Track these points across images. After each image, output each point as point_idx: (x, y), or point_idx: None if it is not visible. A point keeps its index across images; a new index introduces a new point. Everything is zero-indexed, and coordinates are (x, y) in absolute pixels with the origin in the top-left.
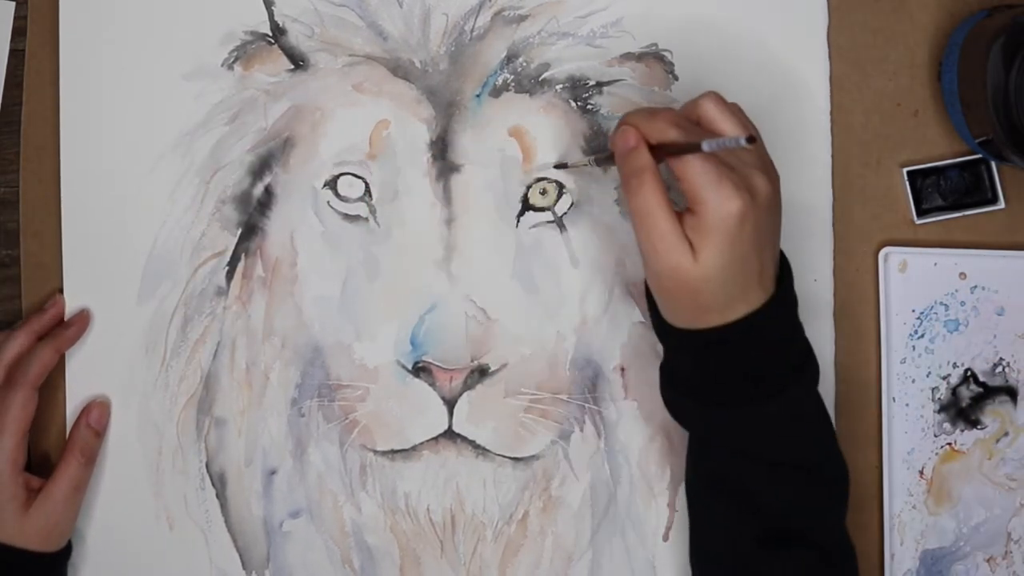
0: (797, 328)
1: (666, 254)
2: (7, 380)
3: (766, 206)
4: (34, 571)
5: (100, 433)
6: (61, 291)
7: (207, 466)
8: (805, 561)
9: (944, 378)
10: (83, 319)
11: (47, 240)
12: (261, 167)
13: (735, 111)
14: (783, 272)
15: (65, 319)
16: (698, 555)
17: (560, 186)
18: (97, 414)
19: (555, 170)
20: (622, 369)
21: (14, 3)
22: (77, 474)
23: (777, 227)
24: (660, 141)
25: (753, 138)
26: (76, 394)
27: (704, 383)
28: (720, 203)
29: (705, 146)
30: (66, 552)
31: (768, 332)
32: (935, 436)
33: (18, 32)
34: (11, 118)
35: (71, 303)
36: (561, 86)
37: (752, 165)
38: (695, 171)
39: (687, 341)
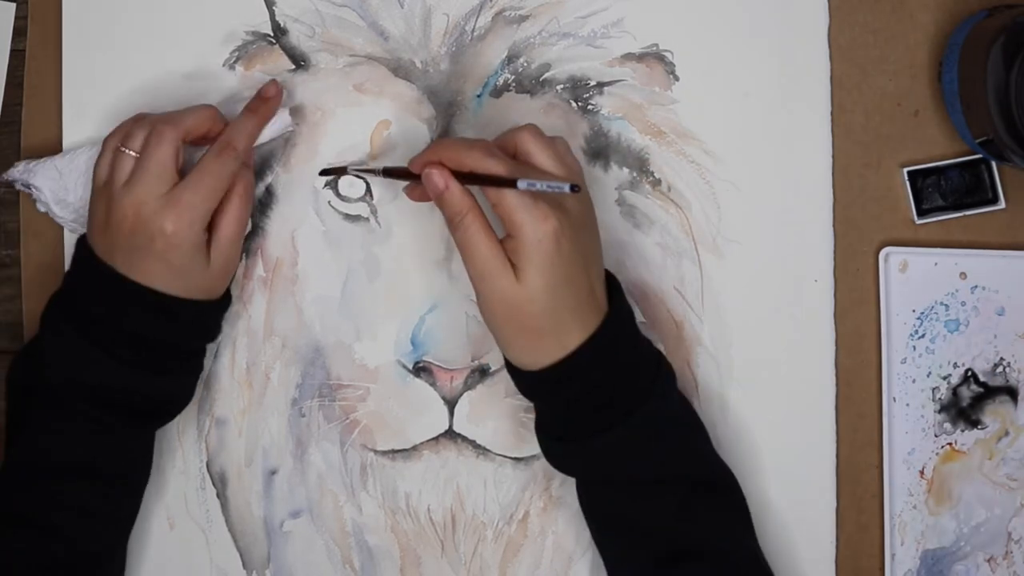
0: (639, 340)
1: (490, 278)
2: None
3: (580, 223)
4: (212, 320)
5: (250, 165)
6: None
7: (208, 466)
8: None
9: (945, 378)
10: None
11: (47, 240)
12: (262, 167)
13: (552, 146)
14: (611, 287)
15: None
16: None
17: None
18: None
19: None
20: None
21: (14, 3)
22: (241, 210)
23: (596, 244)
24: (474, 171)
25: (576, 187)
26: None
27: (561, 421)
28: (535, 224)
29: (521, 184)
30: (227, 301)
31: (610, 352)
32: (936, 436)
33: (18, 32)
34: (11, 118)
35: None
36: (562, 86)
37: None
38: (509, 198)
39: (535, 383)
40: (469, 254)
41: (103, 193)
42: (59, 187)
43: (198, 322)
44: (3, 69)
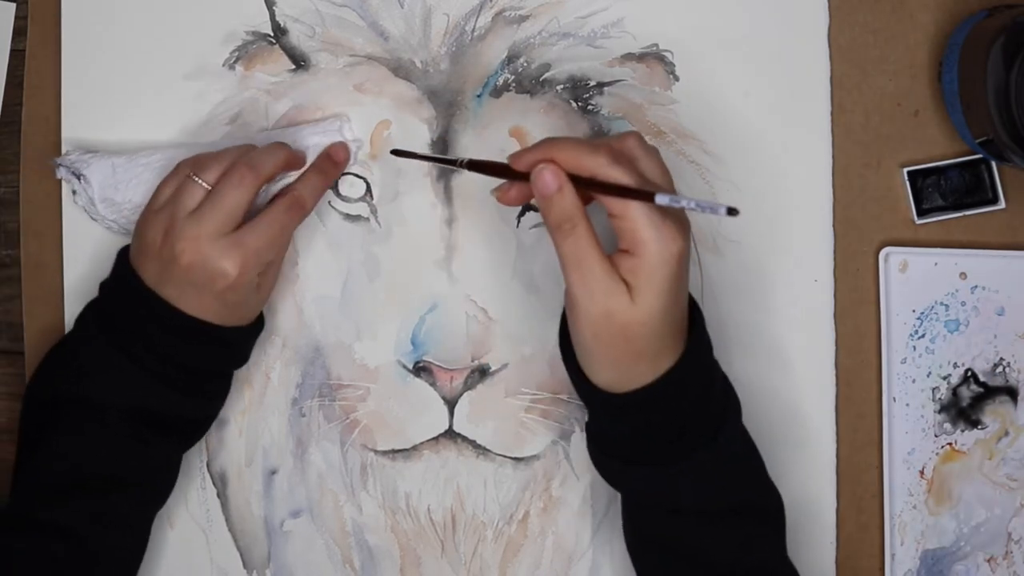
0: (715, 369)
1: (603, 298)
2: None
3: (689, 249)
4: (249, 345)
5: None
6: (62, 291)
7: (208, 466)
8: None
9: (944, 378)
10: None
11: (47, 240)
12: None
13: (658, 156)
14: (694, 314)
15: None
16: None
17: None
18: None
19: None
20: None
21: (14, 3)
22: (288, 239)
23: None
24: (596, 177)
25: (735, 210)
26: None
27: (633, 444)
28: (665, 245)
29: (661, 199)
30: (261, 323)
31: (692, 382)
32: (935, 436)
33: (18, 32)
34: (11, 118)
35: (71, 304)
36: (562, 86)
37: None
38: (636, 212)
39: (614, 403)
40: (577, 268)
41: (161, 215)
42: (110, 184)
43: (237, 348)
44: (3, 69)
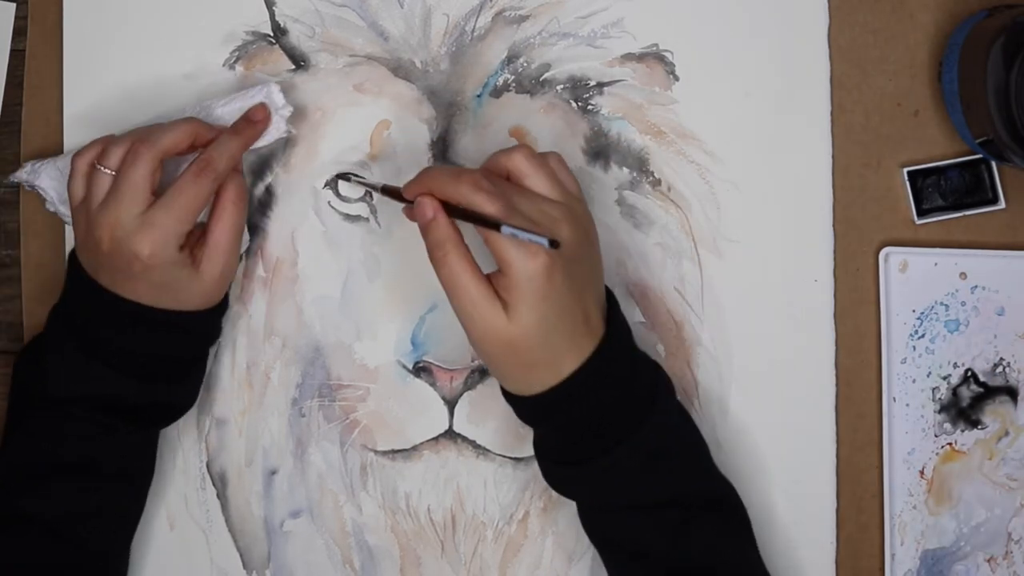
0: (637, 358)
1: (480, 318)
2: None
3: (574, 252)
4: (209, 327)
5: (240, 170)
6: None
7: (208, 466)
8: None
9: (944, 378)
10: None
11: (47, 240)
12: (262, 167)
13: (545, 166)
14: (609, 305)
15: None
16: None
17: None
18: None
19: (344, 180)
20: None
21: (14, 3)
22: (235, 218)
23: (595, 269)
24: (461, 204)
25: (556, 243)
26: None
27: (560, 445)
28: (525, 261)
29: (505, 230)
30: (225, 305)
31: (606, 375)
32: (935, 436)
33: (18, 32)
34: (11, 118)
35: None
36: (562, 86)
37: (556, 217)
38: (497, 234)
39: (531, 407)
40: (455, 291)
41: (81, 211)
42: (62, 187)
43: (194, 331)
44: (3, 69)
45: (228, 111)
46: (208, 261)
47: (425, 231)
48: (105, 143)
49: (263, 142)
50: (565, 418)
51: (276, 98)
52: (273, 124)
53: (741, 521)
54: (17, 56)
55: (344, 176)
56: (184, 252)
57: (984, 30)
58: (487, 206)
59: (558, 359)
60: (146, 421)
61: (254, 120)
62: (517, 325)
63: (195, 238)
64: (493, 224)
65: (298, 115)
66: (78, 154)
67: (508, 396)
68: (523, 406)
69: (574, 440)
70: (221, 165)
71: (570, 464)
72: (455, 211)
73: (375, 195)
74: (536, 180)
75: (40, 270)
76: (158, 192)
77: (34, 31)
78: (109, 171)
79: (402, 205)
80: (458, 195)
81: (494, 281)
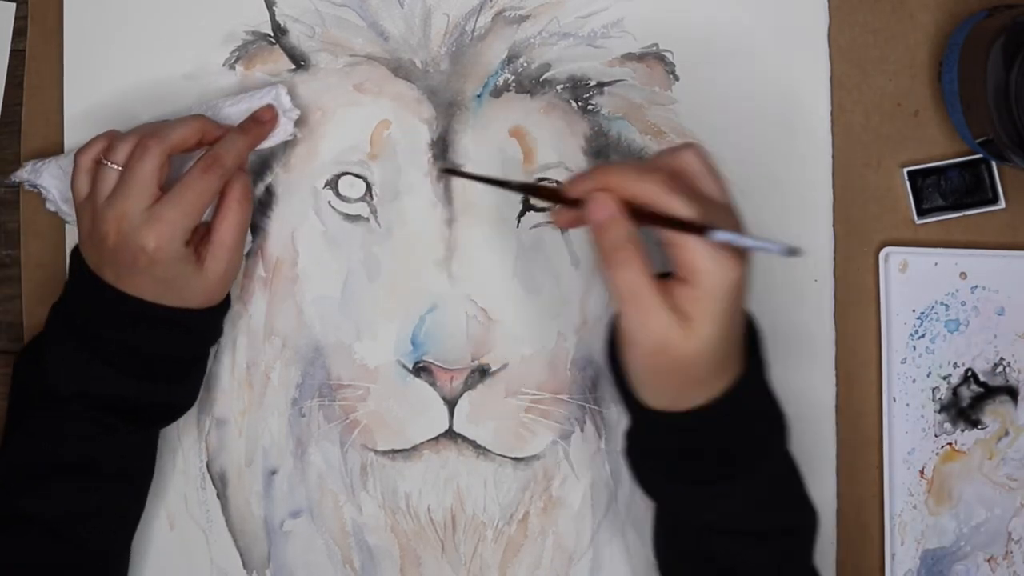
0: (770, 392)
1: (658, 331)
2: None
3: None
4: (211, 326)
5: (245, 169)
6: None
7: (208, 466)
8: None
9: (945, 378)
10: (273, 115)
11: (47, 240)
12: (262, 167)
13: (717, 172)
14: (751, 333)
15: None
16: None
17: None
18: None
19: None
20: None
21: (14, 3)
22: (240, 216)
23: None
24: (650, 206)
25: (797, 251)
26: None
27: (683, 461)
28: (724, 274)
29: (718, 235)
30: (227, 304)
31: (748, 404)
32: (936, 436)
33: (18, 32)
34: (11, 118)
35: None
36: (562, 86)
37: (732, 224)
38: (694, 241)
39: (667, 422)
40: (630, 299)
41: (86, 206)
42: (65, 186)
43: (196, 330)
44: (3, 69)
45: (236, 111)
46: (212, 258)
47: (601, 232)
48: (109, 138)
49: (269, 143)
50: (700, 438)
51: (284, 100)
52: (280, 126)
53: (814, 538)
54: (17, 56)
55: (463, 174)
56: (189, 248)
57: (984, 30)
58: (683, 209)
59: (717, 376)
60: (146, 421)
61: (262, 120)
62: (696, 341)
63: (200, 236)
64: (695, 229)
65: (300, 120)
66: (81, 150)
67: (633, 403)
68: (659, 418)
69: (698, 459)
70: (228, 162)
71: (681, 481)
72: (638, 212)
73: (375, 194)
74: (709, 182)
75: (40, 270)
76: (164, 188)
77: (34, 31)
78: (116, 166)
79: (551, 218)
80: (647, 193)
81: (672, 290)
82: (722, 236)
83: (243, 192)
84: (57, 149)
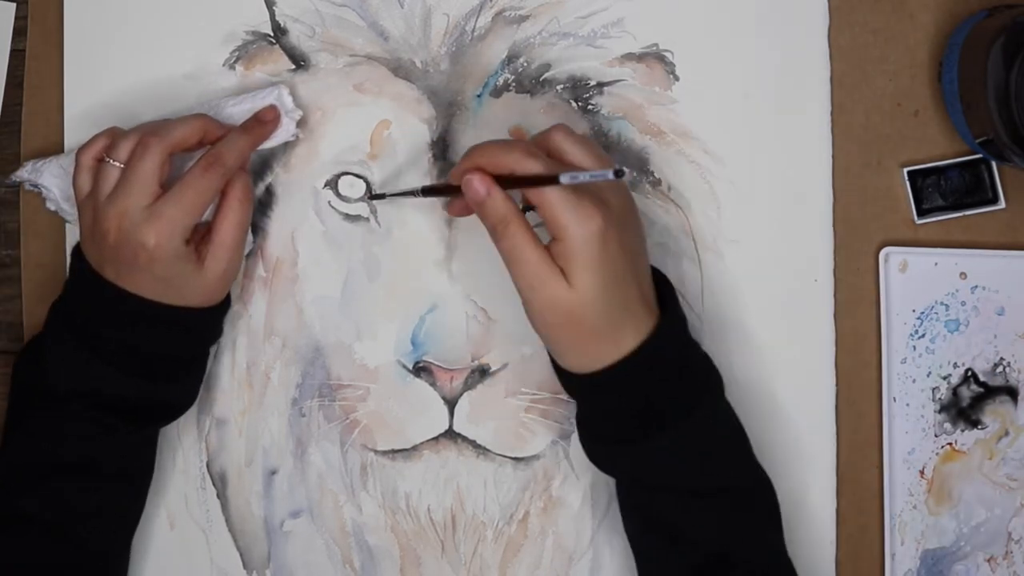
0: (691, 345)
1: (541, 287)
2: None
3: (624, 219)
4: (211, 325)
5: (246, 169)
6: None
7: (208, 466)
8: None
9: (945, 378)
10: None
11: (47, 240)
12: (262, 167)
13: (585, 143)
14: (665, 290)
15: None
16: None
17: None
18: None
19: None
20: None
21: (15, 3)
22: (240, 216)
23: (642, 241)
24: (514, 172)
25: (621, 171)
26: None
27: (610, 423)
28: (581, 223)
29: (564, 178)
30: (227, 304)
31: (664, 358)
32: (936, 436)
33: (18, 32)
34: (11, 118)
35: None
36: (562, 86)
37: (602, 186)
38: (552, 199)
39: (586, 385)
40: (516, 263)
41: (88, 203)
42: (66, 184)
43: (195, 329)
44: (3, 69)
45: (238, 111)
46: (212, 258)
47: (482, 208)
48: (111, 136)
49: (271, 143)
50: (622, 397)
51: (286, 100)
52: (283, 126)
53: (773, 509)
54: (17, 56)
55: (378, 196)
56: (190, 247)
57: (984, 30)
58: (540, 168)
59: (619, 332)
60: (145, 420)
61: (264, 120)
62: (577, 291)
63: (200, 235)
64: (550, 179)
65: (302, 122)
66: (83, 148)
67: (561, 373)
68: (578, 383)
69: (627, 419)
70: (230, 161)
71: (619, 442)
72: (507, 182)
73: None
74: (578, 154)
75: (40, 270)
76: (166, 186)
77: (34, 31)
78: (118, 164)
79: (411, 202)
80: (510, 161)
81: (551, 251)
82: (565, 178)
83: (244, 192)
84: (57, 149)
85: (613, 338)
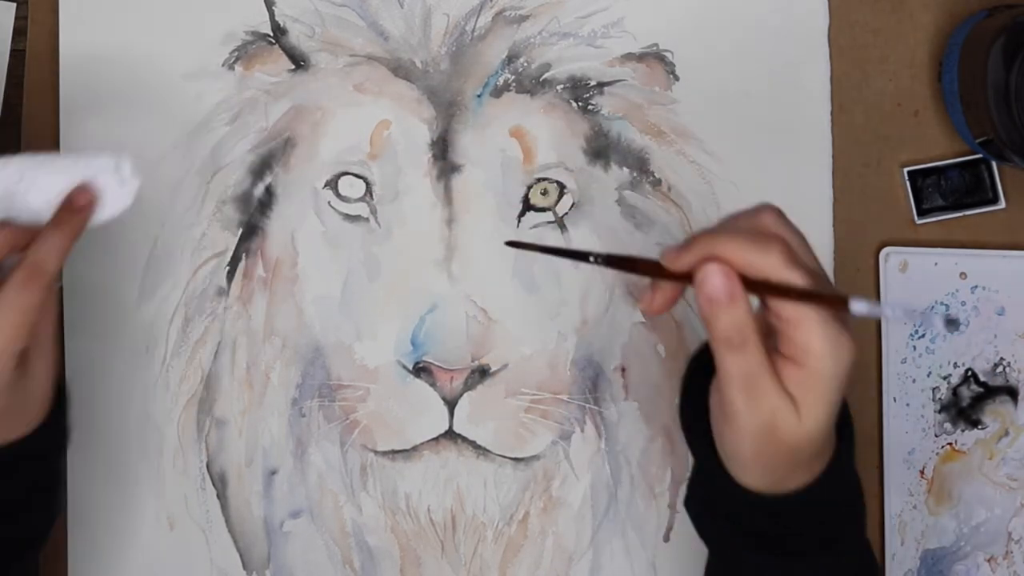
0: (855, 474)
1: (769, 415)
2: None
3: None
4: (37, 460)
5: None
6: (60, 292)
7: (208, 466)
8: None
9: (945, 378)
10: (91, 197)
11: None
12: (262, 167)
13: (802, 236)
14: (845, 406)
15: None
16: None
17: (561, 187)
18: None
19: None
20: (623, 369)
21: (14, 3)
22: (52, 349)
23: None
24: (769, 280)
25: (956, 322)
26: (77, 394)
27: (766, 534)
28: (838, 357)
29: (858, 307)
30: (60, 411)
31: (834, 490)
32: (936, 436)
33: (18, 32)
34: (11, 118)
35: (71, 304)
36: (562, 86)
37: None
38: (812, 321)
39: (760, 502)
40: (744, 388)
41: None
42: (12, 191)
43: (21, 467)
44: (3, 69)
45: (56, 181)
46: (36, 369)
47: (718, 309)
48: None
49: (99, 220)
50: (796, 518)
51: (125, 170)
52: (112, 200)
53: None
54: (17, 56)
55: (533, 247)
56: (15, 374)
57: (984, 30)
58: (802, 281)
59: (816, 461)
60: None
61: (76, 208)
62: (806, 425)
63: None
64: (827, 301)
65: (298, 115)
66: None
67: (717, 476)
68: (753, 499)
69: (788, 537)
70: (51, 265)
71: (753, 550)
72: (756, 286)
73: (375, 194)
74: (804, 251)
75: None
76: None
77: (34, 31)
78: None
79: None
80: (766, 268)
81: (782, 372)
82: (861, 306)
83: (52, 321)
84: (56, 149)
85: (809, 468)
